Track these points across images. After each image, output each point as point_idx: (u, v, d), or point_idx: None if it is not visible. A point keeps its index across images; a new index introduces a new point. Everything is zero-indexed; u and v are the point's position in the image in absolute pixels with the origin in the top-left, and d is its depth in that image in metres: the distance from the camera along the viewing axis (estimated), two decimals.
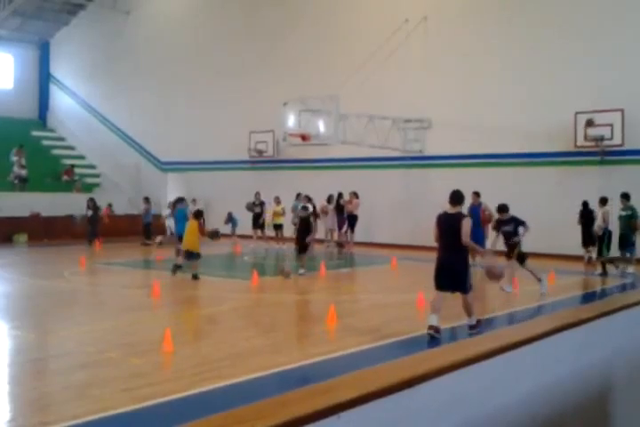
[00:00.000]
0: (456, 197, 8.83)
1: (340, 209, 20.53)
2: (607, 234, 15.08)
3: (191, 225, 14.08)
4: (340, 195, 20.72)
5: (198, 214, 14.80)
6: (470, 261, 16.14)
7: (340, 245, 20.83)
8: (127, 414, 5.48)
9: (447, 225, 8.79)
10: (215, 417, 1.71)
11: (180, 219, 15.65)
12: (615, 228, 15.55)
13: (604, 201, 15.31)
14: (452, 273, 8.67)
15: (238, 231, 22.67)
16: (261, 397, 1.89)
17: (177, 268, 14.33)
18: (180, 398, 5.87)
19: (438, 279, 8.73)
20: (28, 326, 9.29)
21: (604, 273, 14.80)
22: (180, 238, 14.90)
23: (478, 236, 16.52)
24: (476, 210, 16.52)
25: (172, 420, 5.60)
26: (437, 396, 2.29)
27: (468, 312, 8.75)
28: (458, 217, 8.72)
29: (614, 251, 15.56)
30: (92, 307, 10.86)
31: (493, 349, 2.56)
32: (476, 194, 16.64)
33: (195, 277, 13.72)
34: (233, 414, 1.74)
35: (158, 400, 5.78)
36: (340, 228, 20.84)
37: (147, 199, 23.32)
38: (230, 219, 23.14)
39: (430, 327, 8.28)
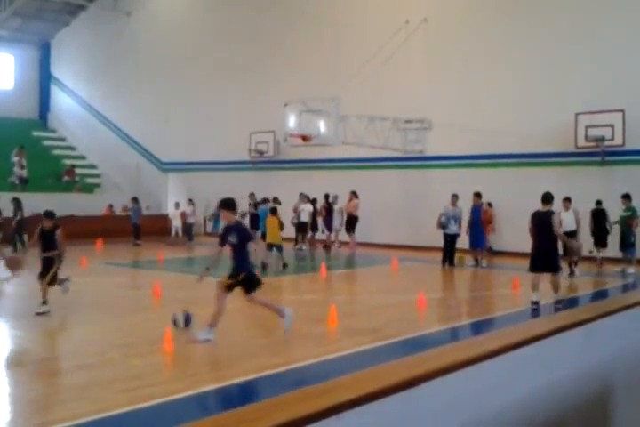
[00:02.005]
0: (547, 198, 11.04)
1: (328, 209, 20.44)
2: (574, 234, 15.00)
3: (272, 221, 15.72)
4: (327, 196, 20.66)
5: (275, 211, 16.29)
6: (477, 261, 16.33)
7: (326, 246, 20.72)
8: (127, 415, 5.48)
9: (541, 220, 10.92)
10: (214, 418, 1.71)
11: (263, 218, 17.05)
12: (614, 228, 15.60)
13: (570, 201, 15.08)
14: (546, 257, 10.80)
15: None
16: (261, 397, 1.89)
17: (264, 265, 15.28)
18: (179, 398, 5.87)
19: (535, 263, 10.90)
20: (29, 326, 9.29)
21: (572, 273, 14.84)
22: (264, 236, 16.55)
23: (479, 235, 16.54)
24: (477, 211, 16.53)
25: (172, 421, 5.60)
26: (437, 397, 2.28)
27: (556, 289, 10.90)
28: (549, 214, 10.88)
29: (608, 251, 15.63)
30: (93, 307, 10.85)
31: (493, 349, 2.56)
32: (477, 195, 16.65)
33: (284, 266, 15.52)
34: (232, 414, 1.73)
35: (158, 401, 5.79)
36: (328, 228, 20.75)
37: (135, 199, 23.27)
38: (216, 217, 23.32)
39: (533, 303, 10.61)
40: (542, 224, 10.83)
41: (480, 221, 16.42)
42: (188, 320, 8.64)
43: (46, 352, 7.94)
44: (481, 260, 16.56)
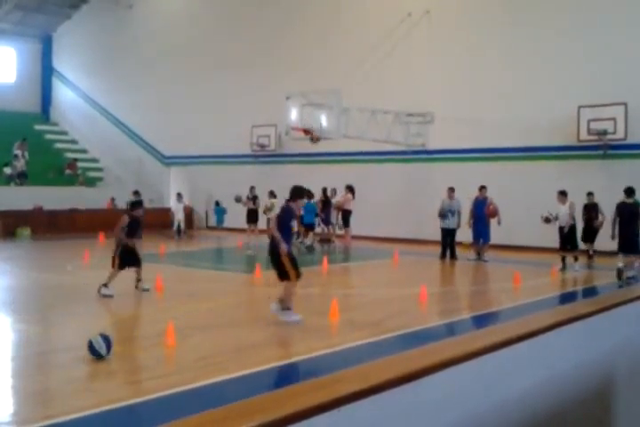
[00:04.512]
0: (631, 191, 13.29)
1: (325, 203, 20.34)
2: (574, 227, 14.87)
3: None
4: (325, 190, 20.60)
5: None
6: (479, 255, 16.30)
7: (323, 240, 20.61)
8: (131, 407, 5.51)
9: (627, 211, 13.04)
10: (217, 410, 1.72)
11: (310, 210, 18.60)
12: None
13: (565, 194, 14.87)
14: (631, 242, 12.94)
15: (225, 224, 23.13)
16: (263, 390, 1.90)
17: (310, 248, 17.93)
18: (183, 391, 5.89)
19: (622, 247, 13.03)
20: (32, 319, 9.32)
21: (564, 267, 14.65)
22: (308, 226, 18.48)
23: (482, 229, 16.46)
24: (481, 204, 16.41)
25: (175, 413, 5.62)
26: (439, 390, 2.29)
27: (631, 266, 13.00)
28: (635, 205, 13.23)
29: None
30: (96, 301, 10.89)
31: (495, 343, 2.57)
32: (483, 188, 16.53)
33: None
34: (234, 407, 1.75)
35: (161, 393, 5.81)
36: (325, 222, 20.60)
37: (136, 193, 23.20)
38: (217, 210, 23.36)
39: (628, 278, 12.62)
40: (630, 214, 12.97)
41: (485, 215, 16.33)
42: (108, 344, 6.85)
43: (50, 345, 7.97)
44: (483, 254, 16.53)
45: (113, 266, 11.15)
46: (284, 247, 8.63)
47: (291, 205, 9.03)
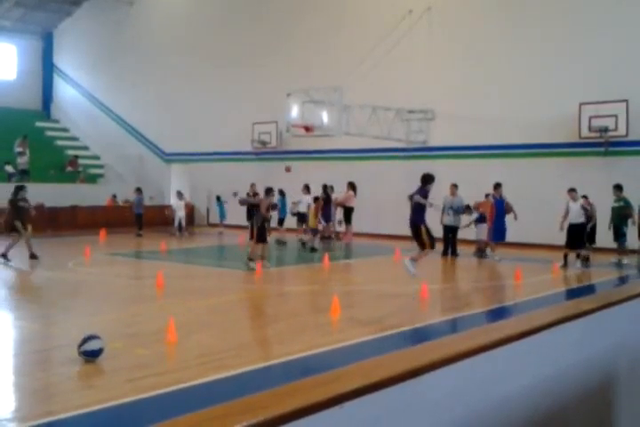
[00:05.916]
0: None
1: (326, 200, 20.30)
2: (584, 226, 14.82)
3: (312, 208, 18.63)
4: (325, 186, 20.56)
5: (317, 199, 18.95)
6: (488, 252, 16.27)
7: (323, 237, 20.56)
8: (131, 404, 5.51)
9: None
10: (218, 407, 1.72)
11: (284, 205, 20.01)
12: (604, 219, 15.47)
13: (576, 191, 14.83)
14: None
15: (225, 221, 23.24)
16: (265, 387, 1.90)
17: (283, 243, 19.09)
18: (184, 388, 5.90)
19: None
20: (33, 316, 9.33)
21: (565, 265, 14.63)
22: (281, 221, 19.90)
23: (502, 228, 16.30)
24: (500, 202, 16.23)
25: (177, 410, 5.62)
26: (440, 387, 2.29)
27: None
28: None
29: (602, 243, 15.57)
30: (97, 298, 10.90)
31: (496, 340, 2.56)
32: (499, 186, 16.27)
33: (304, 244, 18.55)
34: (235, 404, 1.74)
35: (163, 390, 5.81)
36: (326, 220, 20.53)
37: (138, 190, 23.15)
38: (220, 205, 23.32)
39: None
40: None
41: (503, 213, 16.18)
42: (92, 353, 6.75)
43: (50, 342, 7.97)
44: (486, 250, 16.48)
45: (252, 239, 13.83)
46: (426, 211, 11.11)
47: (426, 188, 11.46)
